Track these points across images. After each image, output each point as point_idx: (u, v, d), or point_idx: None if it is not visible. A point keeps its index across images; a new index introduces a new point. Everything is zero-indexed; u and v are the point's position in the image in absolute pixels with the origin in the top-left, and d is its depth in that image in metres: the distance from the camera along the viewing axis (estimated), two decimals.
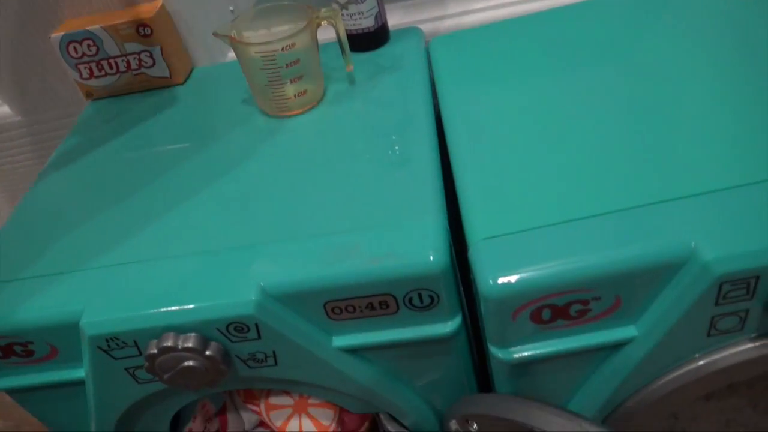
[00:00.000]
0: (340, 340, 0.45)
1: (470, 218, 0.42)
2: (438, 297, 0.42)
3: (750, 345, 0.40)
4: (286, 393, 0.57)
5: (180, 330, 0.42)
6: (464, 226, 0.43)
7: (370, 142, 0.52)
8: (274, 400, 0.57)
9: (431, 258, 0.40)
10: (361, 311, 0.43)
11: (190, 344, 0.42)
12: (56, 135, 0.74)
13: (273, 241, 0.44)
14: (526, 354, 0.41)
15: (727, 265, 0.35)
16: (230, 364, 0.44)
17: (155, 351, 0.42)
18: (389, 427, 0.52)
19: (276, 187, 0.49)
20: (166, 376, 0.43)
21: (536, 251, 0.38)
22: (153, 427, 0.54)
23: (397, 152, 0.50)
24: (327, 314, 0.43)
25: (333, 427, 0.57)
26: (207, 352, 0.42)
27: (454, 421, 0.48)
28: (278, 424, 0.57)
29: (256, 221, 0.46)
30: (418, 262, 0.41)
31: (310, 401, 0.57)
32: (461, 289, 0.46)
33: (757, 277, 0.36)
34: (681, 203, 0.39)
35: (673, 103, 0.47)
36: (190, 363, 0.42)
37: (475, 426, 0.46)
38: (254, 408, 0.57)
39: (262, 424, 0.62)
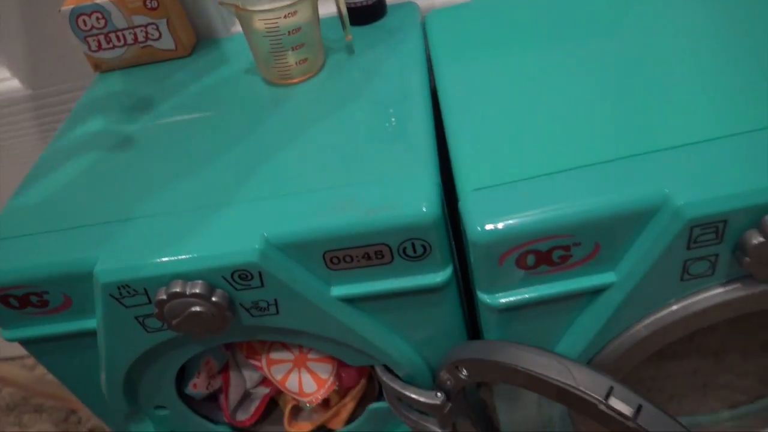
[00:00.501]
0: (339, 290, 0.48)
1: (461, 172, 0.45)
2: (430, 247, 0.45)
3: (720, 290, 0.43)
4: (286, 348, 0.60)
5: (187, 278, 0.45)
6: (455, 180, 0.45)
7: (367, 108, 0.55)
8: (274, 355, 0.60)
9: (424, 209, 0.43)
10: (358, 261, 0.46)
11: (197, 290, 0.45)
12: (66, 108, 0.77)
13: (275, 196, 0.47)
14: (512, 299, 0.44)
15: (697, 210, 0.38)
16: (235, 311, 0.47)
17: (164, 297, 0.45)
18: (384, 378, 0.55)
19: (277, 147, 0.52)
20: (174, 322, 0.46)
21: (521, 200, 0.41)
22: (159, 379, 0.56)
23: (393, 118, 0.53)
24: (326, 264, 0.46)
25: (331, 380, 0.59)
26: (213, 299, 0.45)
27: (444, 371, 0.51)
28: (278, 377, 0.60)
29: (259, 178, 0.49)
30: (411, 213, 0.43)
31: (309, 356, 0.60)
32: (452, 242, 0.48)
33: (725, 221, 0.38)
34: (657, 155, 0.41)
35: (652, 68, 0.50)
36: (197, 308, 0.45)
37: (465, 372, 0.49)
38: (256, 363, 0.60)
39: (262, 383, 0.65)
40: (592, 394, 0.40)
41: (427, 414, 0.57)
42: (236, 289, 0.46)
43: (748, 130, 0.42)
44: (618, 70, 0.51)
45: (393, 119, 0.53)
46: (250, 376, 0.65)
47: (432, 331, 0.52)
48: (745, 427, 0.58)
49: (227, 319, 0.47)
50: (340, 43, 0.64)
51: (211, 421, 0.65)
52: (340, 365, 0.60)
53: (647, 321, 0.44)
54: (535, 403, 0.54)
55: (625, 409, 0.40)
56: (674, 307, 0.44)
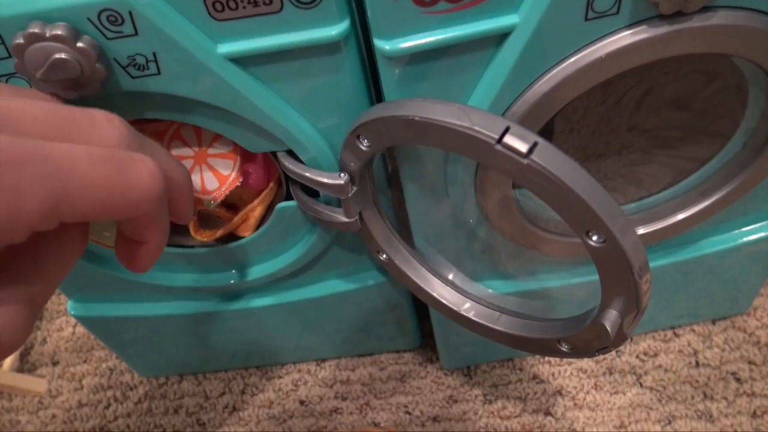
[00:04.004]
0: (226, 47, 0.43)
1: None
2: None
3: (626, 32, 0.41)
4: (186, 144, 0.56)
5: (48, 19, 0.40)
6: None
7: None
8: (173, 151, 0.56)
9: None
10: (244, 8, 0.41)
11: (58, 32, 0.40)
12: None
13: None
14: (412, 44, 0.41)
15: None
16: (109, 66, 0.43)
17: (21, 41, 0.40)
18: (286, 162, 0.52)
19: None
20: (38, 75, 0.41)
21: None
22: None
23: None
24: (209, 12, 0.42)
25: (233, 176, 0.57)
26: (79, 44, 0.40)
27: (346, 149, 0.49)
28: None
29: None
30: None
31: (210, 151, 0.56)
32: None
33: None
34: None
35: None
36: (61, 55, 0.40)
37: (365, 142, 0.47)
38: None
39: None
40: (488, 133, 0.39)
41: (334, 204, 0.55)
42: (107, 37, 0.41)
43: None
44: None
45: None
46: None
47: (334, 107, 0.49)
48: (649, 217, 0.59)
49: (99, 74, 0.42)
50: None
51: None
52: (243, 161, 0.57)
53: (554, 71, 0.42)
54: (443, 187, 0.53)
55: (520, 146, 0.38)
56: (579, 55, 0.42)
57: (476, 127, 0.39)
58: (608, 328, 0.43)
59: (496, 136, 0.38)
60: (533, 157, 0.38)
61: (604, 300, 0.44)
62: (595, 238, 0.40)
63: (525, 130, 0.39)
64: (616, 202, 0.39)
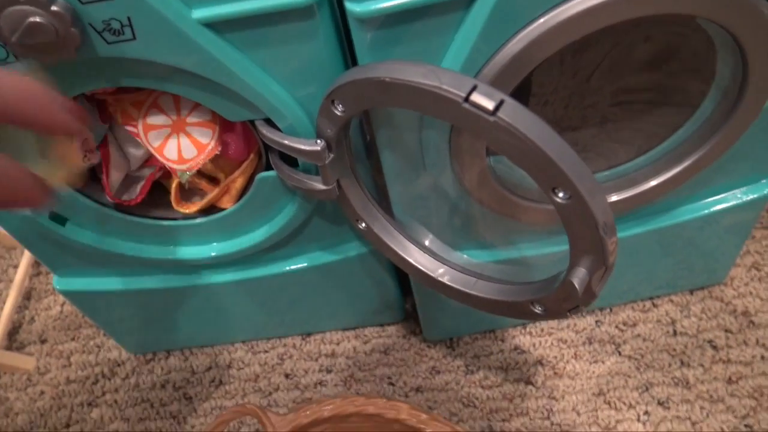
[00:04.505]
0: (200, 12, 0.44)
1: None
2: None
3: None
4: (163, 113, 0.57)
5: None
6: None
7: None
8: (151, 120, 0.57)
9: None
10: None
11: None
12: None
13: None
14: (382, 5, 0.42)
15: None
16: (83, 30, 0.43)
17: None
18: (264, 131, 0.53)
19: None
20: (13, 38, 0.42)
21: None
22: None
23: None
24: None
25: (212, 144, 0.57)
26: (53, 8, 0.41)
27: (322, 115, 0.49)
28: (156, 144, 0.57)
29: None
30: None
31: (188, 119, 0.57)
32: None
33: None
34: None
35: None
36: (36, 19, 0.41)
37: (340, 107, 0.47)
38: (132, 129, 0.57)
39: (147, 163, 0.62)
40: (455, 92, 0.39)
41: (312, 173, 0.56)
42: (81, 2, 0.42)
43: None
44: None
45: None
46: (133, 156, 0.62)
47: (310, 74, 0.49)
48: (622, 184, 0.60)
49: (75, 39, 0.43)
50: None
51: (98, 202, 0.63)
52: (223, 131, 0.57)
53: (523, 33, 0.43)
54: (419, 155, 0.53)
55: (487, 103, 0.39)
56: (546, 17, 0.43)
57: (444, 86, 0.40)
58: (576, 286, 0.45)
59: (464, 95, 0.39)
60: (500, 114, 0.39)
61: (573, 259, 0.45)
62: (561, 194, 0.41)
63: (492, 88, 0.39)
64: (581, 160, 0.40)
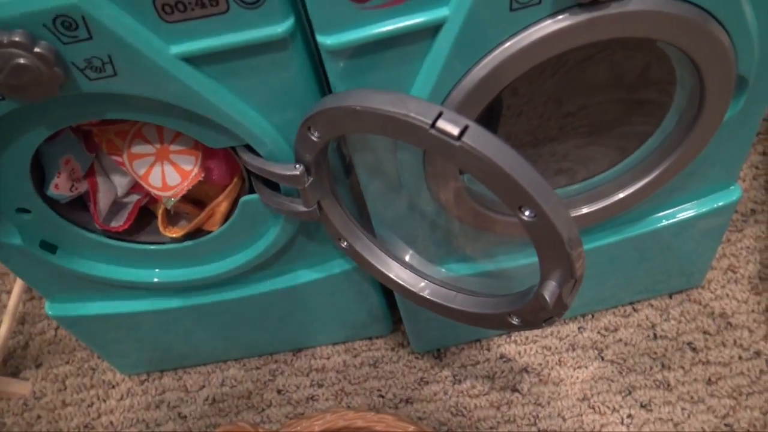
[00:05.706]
0: (177, 47, 0.46)
1: None
2: None
3: (549, 21, 0.44)
4: (148, 142, 0.58)
5: (6, 26, 0.42)
6: None
7: None
8: (135, 149, 0.59)
9: None
10: (192, 9, 0.44)
11: (16, 38, 0.42)
12: None
13: None
14: (352, 38, 0.44)
15: None
16: (66, 70, 0.45)
17: None
18: (245, 157, 0.55)
19: None
20: None
21: None
22: (13, 175, 0.55)
23: None
24: (159, 14, 0.44)
25: (195, 171, 0.59)
26: (36, 49, 0.43)
27: (299, 142, 0.51)
28: (141, 173, 0.59)
29: None
30: None
31: (171, 148, 0.59)
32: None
33: None
34: None
35: None
36: (21, 60, 0.43)
37: (316, 133, 0.49)
38: (117, 158, 0.59)
39: (133, 189, 0.64)
40: (422, 119, 0.41)
41: (294, 196, 0.58)
42: (63, 42, 0.44)
43: None
44: None
45: None
46: (120, 183, 0.63)
47: (286, 102, 0.51)
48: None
49: (58, 78, 0.44)
50: None
51: (87, 229, 0.64)
52: (205, 157, 0.59)
53: (487, 59, 0.45)
54: (395, 176, 0.55)
55: (452, 129, 0.41)
56: (508, 43, 0.45)
57: (412, 114, 0.42)
58: (547, 298, 0.46)
59: (430, 121, 0.41)
60: (465, 139, 0.41)
61: (543, 273, 0.47)
62: (527, 213, 0.43)
63: (457, 114, 0.41)
64: (544, 180, 0.42)
